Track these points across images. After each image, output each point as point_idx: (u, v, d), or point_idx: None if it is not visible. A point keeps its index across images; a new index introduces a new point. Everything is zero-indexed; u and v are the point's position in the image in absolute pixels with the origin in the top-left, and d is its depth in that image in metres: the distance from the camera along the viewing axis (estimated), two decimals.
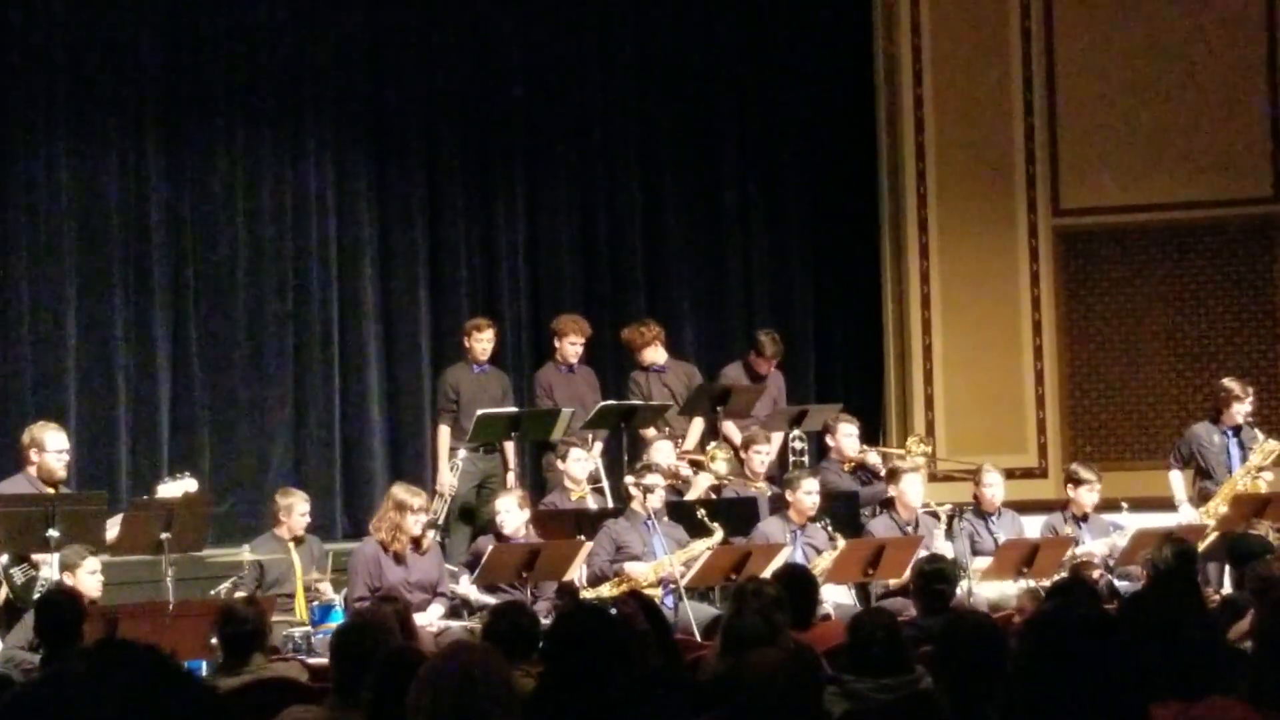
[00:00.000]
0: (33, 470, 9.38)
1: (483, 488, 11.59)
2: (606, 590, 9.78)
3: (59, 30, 11.92)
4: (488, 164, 13.83)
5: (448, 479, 11.44)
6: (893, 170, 14.58)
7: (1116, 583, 10.39)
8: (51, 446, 9.35)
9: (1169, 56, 14.04)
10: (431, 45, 13.56)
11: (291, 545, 9.85)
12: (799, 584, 7.40)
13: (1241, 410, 11.69)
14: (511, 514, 9.99)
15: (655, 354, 12.26)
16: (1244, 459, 11.58)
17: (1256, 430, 11.71)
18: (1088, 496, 11.18)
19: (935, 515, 10.82)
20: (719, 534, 10.10)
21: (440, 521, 11.22)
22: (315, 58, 13.02)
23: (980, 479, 11.15)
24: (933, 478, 12.36)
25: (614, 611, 5.64)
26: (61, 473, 9.40)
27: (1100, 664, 3.55)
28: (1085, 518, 11.18)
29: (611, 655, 4.70)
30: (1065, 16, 14.25)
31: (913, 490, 10.84)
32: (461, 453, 11.49)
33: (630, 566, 10.00)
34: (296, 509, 9.94)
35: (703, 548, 9.99)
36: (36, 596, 8.53)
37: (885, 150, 14.65)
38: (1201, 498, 11.60)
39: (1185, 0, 14.05)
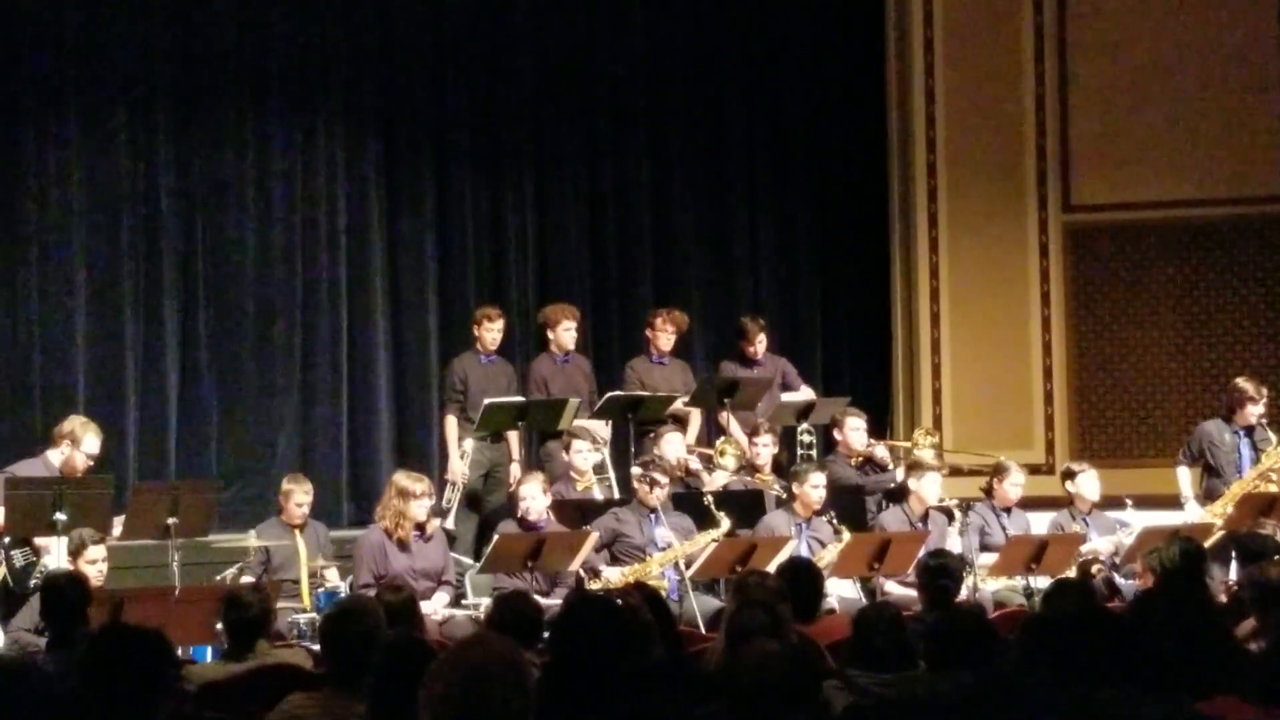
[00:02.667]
0: (55, 458, 9.43)
1: (489, 476, 11.60)
2: (617, 577, 9.78)
3: (70, 16, 11.92)
4: (497, 153, 13.82)
5: (459, 467, 11.44)
6: (903, 164, 14.57)
7: (1119, 580, 10.37)
8: (85, 447, 9.48)
9: (1181, 53, 14.02)
10: (442, 33, 13.55)
11: (297, 531, 9.85)
12: (803, 577, 7.40)
13: (1255, 411, 11.65)
14: (537, 499, 10.00)
15: (669, 344, 12.27)
16: (1255, 459, 11.55)
17: (1269, 431, 11.66)
18: (1086, 487, 11.14)
19: (946, 512, 10.80)
20: (725, 524, 10.09)
21: (453, 510, 11.24)
22: (326, 46, 13.01)
23: (1005, 476, 11.09)
24: None
25: (619, 602, 5.63)
26: (80, 473, 9.46)
27: (1100, 661, 3.55)
28: (1090, 511, 11.15)
29: (616, 645, 4.71)
30: (1078, 11, 14.23)
31: (930, 487, 10.83)
32: (469, 441, 11.49)
33: (606, 571, 9.97)
34: (293, 497, 9.94)
35: (707, 540, 9.98)
36: (33, 583, 8.56)
37: (896, 144, 14.63)
38: (1209, 496, 11.57)
39: None
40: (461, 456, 11.44)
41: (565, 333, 11.96)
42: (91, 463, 9.57)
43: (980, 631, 5.14)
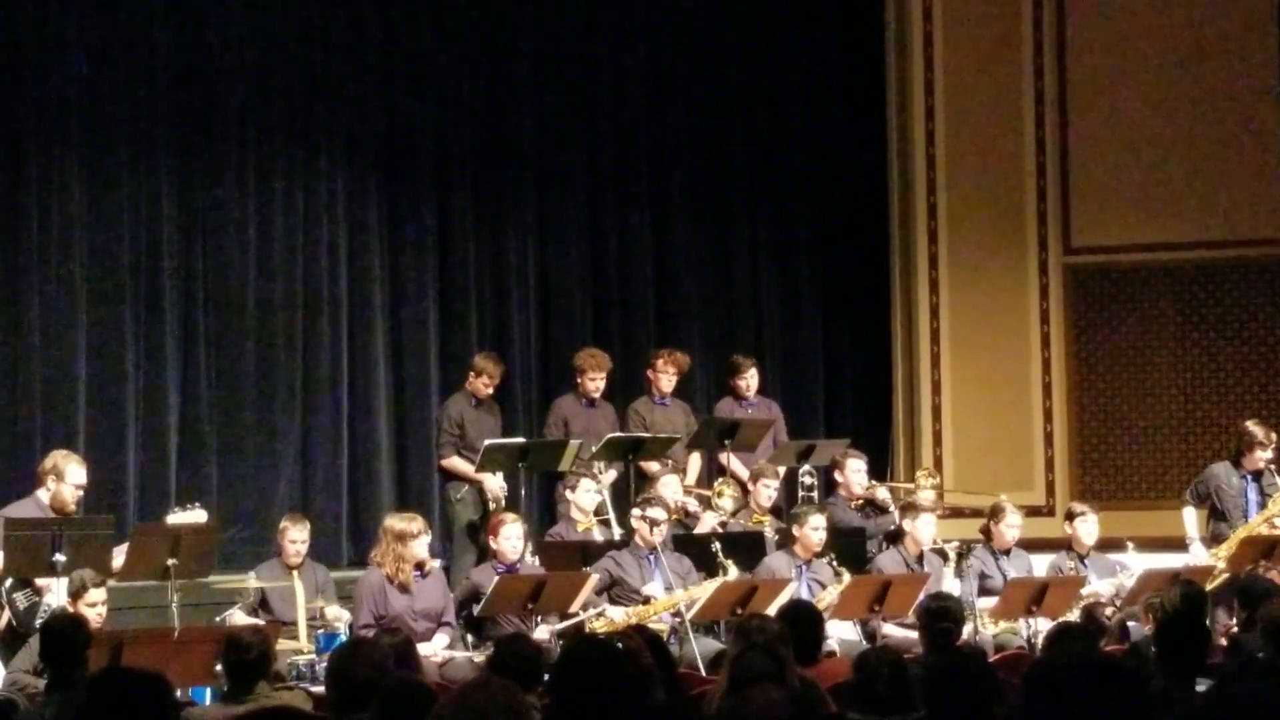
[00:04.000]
0: (45, 496, 9.38)
1: (484, 519, 11.65)
2: (620, 616, 9.76)
3: (72, 55, 11.94)
4: (499, 195, 13.83)
5: (494, 483, 11.40)
6: (903, 205, 14.59)
7: (1130, 623, 10.33)
8: (71, 479, 9.39)
9: (1183, 95, 14.05)
10: (443, 76, 13.58)
11: (295, 573, 9.82)
12: (804, 620, 7.38)
13: (1264, 456, 11.64)
14: (521, 541, 10.00)
15: (671, 385, 12.31)
16: (1261, 504, 11.53)
17: (1276, 477, 11.64)
18: (1084, 529, 11.14)
19: (942, 554, 10.78)
20: (733, 572, 10.06)
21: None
22: (327, 89, 13.03)
23: (1001, 518, 11.08)
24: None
25: (619, 645, 5.62)
26: (73, 505, 9.41)
27: (1104, 707, 3.54)
28: (1089, 554, 11.14)
29: (616, 688, 4.69)
30: (1079, 53, 14.27)
31: (925, 529, 10.82)
32: (465, 485, 11.59)
33: (610, 611, 9.95)
34: (288, 534, 9.94)
35: (712, 588, 9.94)
36: (38, 622, 8.52)
37: (896, 185, 14.65)
38: (1214, 538, 11.55)
39: (1200, 38, 14.06)
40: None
41: (592, 383, 12.03)
42: (80, 492, 9.49)
43: (980, 676, 5.11)
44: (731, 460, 12.03)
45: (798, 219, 14.94)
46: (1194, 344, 14.11)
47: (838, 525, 11.20)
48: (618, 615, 9.80)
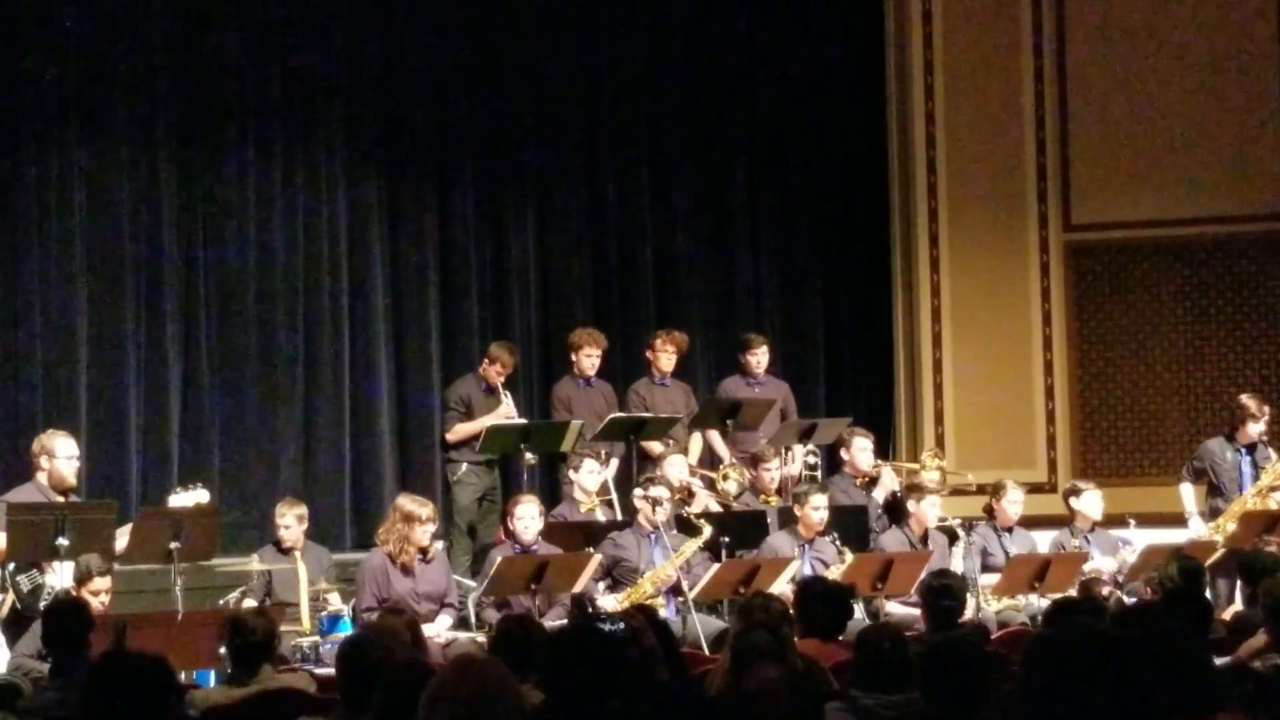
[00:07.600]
0: (43, 478, 9.37)
1: (484, 500, 11.68)
2: (613, 605, 9.76)
3: (73, 44, 11.94)
4: (499, 177, 13.83)
5: (504, 407, 11.45)
6: (904, 184, 14.58)
7: (1127, 600, 10.36)
8: (61, 453, 9.35)
9: (1182, 71, 14.04)
10: (443, 58, 13.57)
11: (297, 555, 9.83)
12: (827, 597, 7.42)
13: (1257, 428, 11.68)
14: (534, 521, 10.00)
15: (670, 365, 12.32)
16: (1256, 477, 11.57)
17: (1270, 449, 11.68)
18: (1089, 505, 11.17)
19: (948, 533, 10.81)
20: (707, 531, 10.09)
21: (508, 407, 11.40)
22: (328, 75, 13.03)
23: (1003, 495, 11.13)
24: None
25: (621, 626, 5.63)
26: (72, 479, 9.37)
27: (1104, 683, 3.55)
28: (1092, 530, 11.17)
29: (610, 673, 4.70)
30: (1078, 31, 14.26)
31: (931, 510, 10.85)
32: (464, 465, 11.58)
33: (602, 600, 9.96)
34: (277, 520, 9.93)
35: (692, 548, 9.99)
36: (43, 604, 8.53)
37: (896, 164, 14.64)
38: (1212, 514, 11.59)
39: (1199, 15, 14.04)
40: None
41: (586, 359, 12.06)
42: (76, 463, 9.46)
43: (974, 657, 5.11)
44: (717, 442, 12.04)
45: (798, 199, 14.94)
46: (1195, 320, 14.10)
47: (840, 504, 11.21)
48: (610, 605, 9.80)
